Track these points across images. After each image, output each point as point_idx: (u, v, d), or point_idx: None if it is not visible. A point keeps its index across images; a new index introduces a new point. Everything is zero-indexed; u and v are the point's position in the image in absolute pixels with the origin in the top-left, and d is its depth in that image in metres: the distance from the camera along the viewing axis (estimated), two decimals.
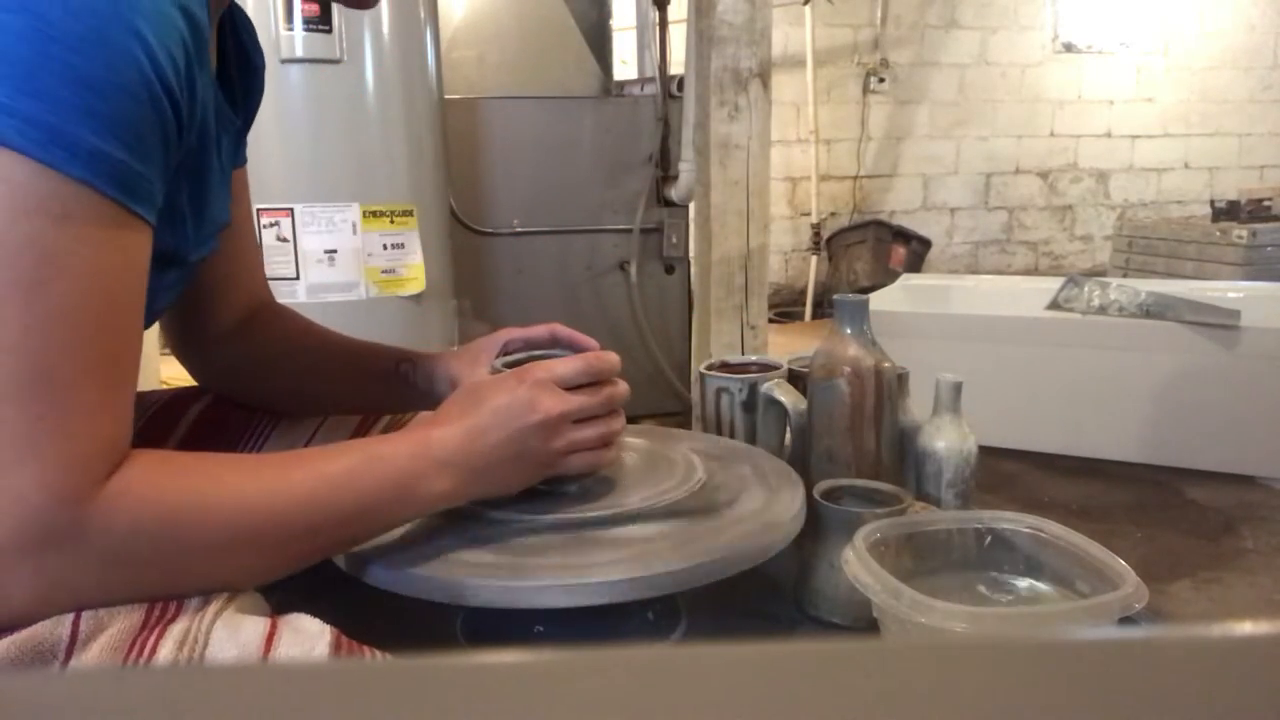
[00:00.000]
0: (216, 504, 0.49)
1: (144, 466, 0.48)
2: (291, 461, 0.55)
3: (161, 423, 0.79)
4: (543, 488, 0.66)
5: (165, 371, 2.44)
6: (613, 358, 0.65)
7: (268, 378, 0.81)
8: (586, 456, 0.63)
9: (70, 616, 0.46)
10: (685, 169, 2.14)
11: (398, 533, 0.63)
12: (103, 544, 0.45)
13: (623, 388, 0.65)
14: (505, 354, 0.74)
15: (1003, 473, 1.98)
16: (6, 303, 0.43)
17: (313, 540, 0.54)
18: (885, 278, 3.54)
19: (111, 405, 0.47)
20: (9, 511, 0.43)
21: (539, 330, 0.76)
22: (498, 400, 0.60)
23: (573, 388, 0.62)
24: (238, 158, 0.74)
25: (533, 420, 0.59)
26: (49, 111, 0.43)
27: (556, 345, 0.75)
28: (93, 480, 0.45)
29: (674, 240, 2.31)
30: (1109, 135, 4.88)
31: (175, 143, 0.50)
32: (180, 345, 0.81)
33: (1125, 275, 3.41)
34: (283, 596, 0.56)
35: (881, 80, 4.46)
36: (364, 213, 1.66)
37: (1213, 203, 3.58)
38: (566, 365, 0.62)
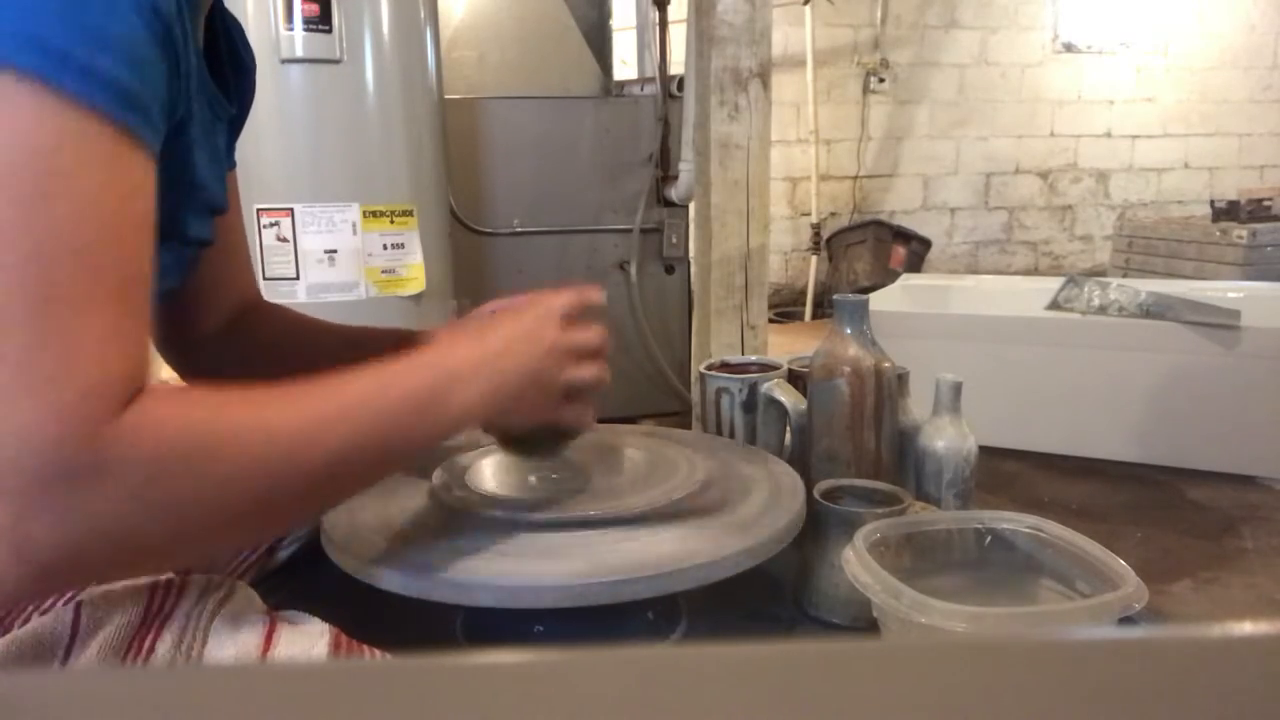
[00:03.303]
0: (241, 428, 0.47)
1: (161, 397, 0.46)
2: (311, 386, 0.53)
3: None
4: (532, 479, 0.66)
5: (167, 370, 2.44)
6: (598, 295, 0.69)
7: (265, 371, 0.81)
8: (579, 409, 0.65)
9: (70, 613, 0.46)
10: (685, 169, 2.13)
11: (398, 534, 0.63)
12: (126, 475, 0.43)
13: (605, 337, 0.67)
14: None
15: (1003, 473, 1.98)
16: (7, 225, 0.41)
17: (344, 461, 0.51)
18: (885, 278, 3.54)
19: (122, 334, 0.45)
20: (22, 444, 0.41)
21: (521, 300, 0.77)
22: (509, 325, 0.62)
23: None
24: (227, 160, 0.74)
25: (543, 346, 0.61)
26: (50, 31, 0.42)
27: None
28: (107, 410, 0.43)
29: (674, 240, 2.31)
30: (1109, 135, 4.88)
31: (175, 77, 0.49)
32: (168, 343, 0.81)
33: (1125, 275, 3.41)
34: (282, 596, 0.56)
35: (881, 80, 4.46)
36: (364, 213, 1.65)
37: (1213, 203, 3.58)
38: (563, 299, 0.65)
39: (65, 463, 0.41)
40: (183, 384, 0.50)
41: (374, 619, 0.58)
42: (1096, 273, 3.84)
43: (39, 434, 0.41)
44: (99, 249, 0.44)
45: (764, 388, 0.87)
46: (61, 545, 0.42)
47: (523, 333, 0.61)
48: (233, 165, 0.77)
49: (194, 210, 0.62)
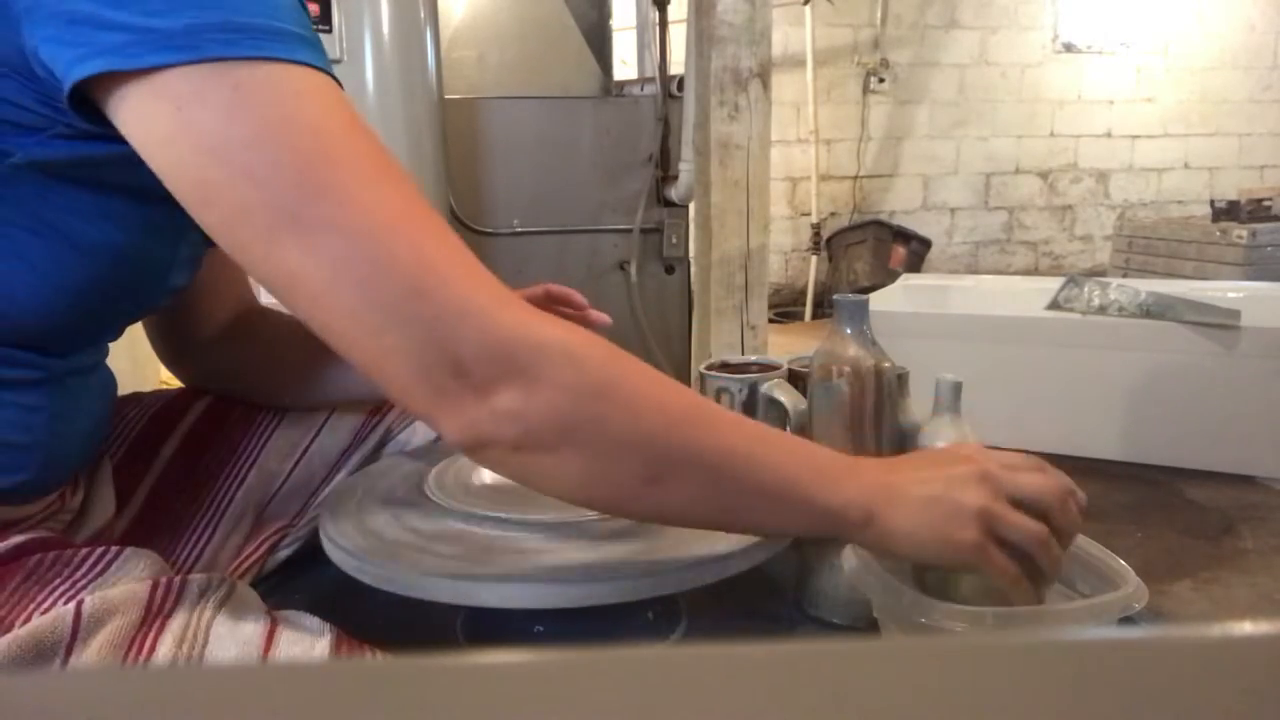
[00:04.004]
0: (641, 383, 0.49)
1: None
2: (715, 406, 0.55)
3: (163, 421, 0.79)
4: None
5: (165, 373, 2.44)
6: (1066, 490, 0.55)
7: (263, 375, 0.81)
8: (1010, 565, 0.52)
9: (71, 613, 0.46)
10: (685, 169, 2.13)
11: (398, 534, 0.63)
12: (576, 374, 0.46)
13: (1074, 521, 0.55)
14: None
15: None
16: (310, 174, 0.44)
17: (733, 471, 0.50)
18: (885, 278, 3.54)
19: (456, 239, 0.48)
20: (482, 326, 0.44)
21: (534, 290, 0.78)
22: (936, 453, 0.59)
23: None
24: None
25: (963, 469, 0.52)
26: (241, 16, 0.44)
27: (552, 303, 0.77)
28: (521, 305, 0.47)
29: (674, 240, 2.31)
30: (1109, 135, 4.88)
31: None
32: (168, 347, 0.81)
33: (1125, 275, 3.41)
34: (282, 596, 0.56)
35: (881, 80, 4.46)
36: None
37: (1213, 203, 3.58)
38: (1030, 477, 0.54)
39: (521, 340, 0.45)
40: None
41: (374, 619, 0.58)
42: (1096, 273, 3.84)
43: (467, 314, 0.45)
44: (389, 168, 0.48)
45: (764, 388, 0.87)
46: (542, 416, 0.45)
47: (956, 457, 0.54)
48: None
49: None
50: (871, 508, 0.51)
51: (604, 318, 0.74)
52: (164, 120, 0.44)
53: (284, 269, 0.45)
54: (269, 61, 0.44)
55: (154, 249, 0.58)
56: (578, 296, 0.77)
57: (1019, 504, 0.52)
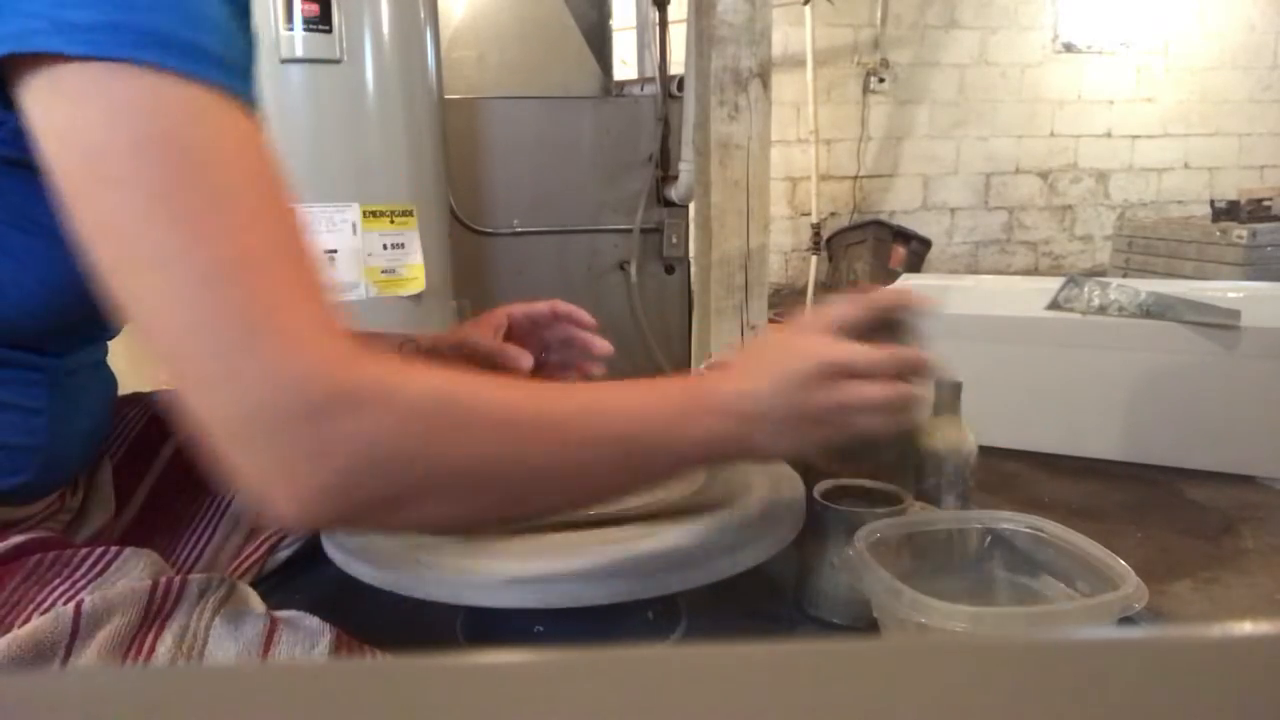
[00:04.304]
0: (482, 400, 0.47)
1: (393, 359, 0.47)
2: (553, 386, 0.53)
3: (163, 421, 0.78)
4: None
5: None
6: (902, 298, 0.60)
7: None
8: (877, 417, 0.55)
9: (70, 613, 0.46)
10: (685, 169, 2.13)
11: (397, 534, 0.63)
12: (380, 407, 0.43)
13: (921, 356, 0.58)
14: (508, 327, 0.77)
15: (1003, 473, 1.98)
16: (169, 199, 0.42)
17: (593, 451, 0.50)
18: (885, 278, 3.54)
19: (313, 280, 0.45)
20: (270, 384, 0.41)
21: (541, 306, 0.76)
22: (770, 348, 0.57)
23: (866, 340, 0.56)
24: None
25: (803, 367, 0.54)
26: (154, 20, 0.43)
27: (557, 320, 0.76)
28: (341, 345, 0.44)
29: (674, 240, 2.31)
30: (1109, 135, 4.88)
31: (254, 50, 0.51)
32: None
33: (1125, 275, 3.41)
34: (282, 596, 0.56)
35: (881, 80, 4.46)
36: (364, 213, 1.65)
37: (1213, 203, 3.58)
38: (847, 307, 0.57)
39: (318, 393, 0.42)
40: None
41: (374, 619, 0.58)
42: (1096, 273, 3.84)
43: (284, 371, 0.42)
44: (264, 208, 0.45)
45: None
46: (330, 478, 0.43)
47: (789, 352, 0.55)
48: None
49: None
50: (731, 436, 0.53)
51: (606, 348, 0.70)
52: (58, 114, 0.43)
53: (126, 289, 0.43)
54: (172, 74, 0.43)
55: None
56: (585, 316, 0.74)
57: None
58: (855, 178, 4.56)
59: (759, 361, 0.56)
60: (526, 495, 0.50)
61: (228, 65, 0.45)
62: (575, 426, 0.50)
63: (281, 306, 0.43)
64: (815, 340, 0.56)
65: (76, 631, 0.46)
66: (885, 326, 0.59)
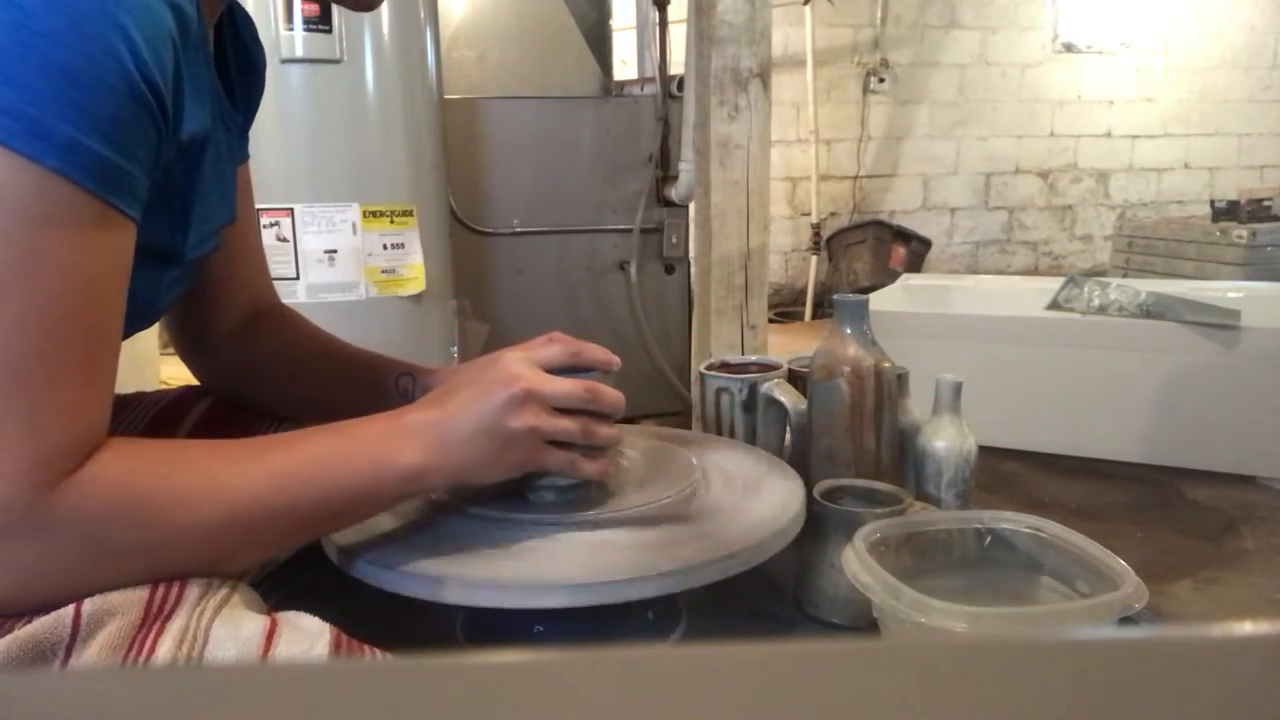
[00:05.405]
0: (191, 487, 0.49)
1: (116, 453, 0.48)
2: (267, 443, 0.55)
3: (164, 423, 0.78)
4: (529, 495, 0.66)
5: (165, 371, 2.44)
6: (604, 356, 0.63)
7: (268, 381, 0.80)
8: (565, 455, 0.60)
9: (70, 614, 0.46)
10: (685, 169, 2.14)
11: (397, 534, 0.63)
12: (74, 532, 0.45)
13: (614, 394, 0.62)
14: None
15: (1003, 473, 1.98)
16: None
17: (293, 519, 0.53)
18: (885, 278, 3.54)
19: (85, 401, 0.46)
20: None
21: (539, 342, 0.73)
22: (472, 376, 0.60)
23: (562, 378, 0.60)
24: (240, 153, 0.74)
25: (503, 395, 0.57)
26: (26, 102, 0.42)
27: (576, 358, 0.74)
28: (60, 471, 0.45)
29: (674, 240, 2.31)
30: (1109, 135, 4.88)
31: (163, 138, 0.49)
32: (183, 345, 0.81)
33: (1125, 275, 3.41)
34: (282, 596, 0.56)
35: (881, 80, 4.47)
36: (364, 213, 1.66)
37: (1213, 203, 3.59)
38: (549, 348, 0.62)
39: (12, 519, 0.44)
40: (138, 439, 0.52)
41: (374, 619, 0.58)
42: (1096, 273, 3.84)
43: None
44: (71, 322, 0.45)
45: (764, 388, 0.87)
46: (11, 596, 0.45)
47: (489, 380, 0.58)
48: (246, 157, 0.76)
49: (201, 234, 0.62)
50: (432, 463, 0.56)
51: (614, 363, 0.69)
52: None
53: None
54: (20, 158, 0.42)
55: (137, 275, 0.57)
56: (604, 357, 0.69)
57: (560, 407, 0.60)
58: (855, 178, 4.56)
59: (457, 387, 0.59)
60: (226, 564, 0.52)
61: (107, 168, 0.45)
62: (279, 500, 0.52)
63: (28, 424, 0.44)
64: (513, 367, 0.59)
65: (76, 632, 0.46)
66: (577, 373, 0.63)
